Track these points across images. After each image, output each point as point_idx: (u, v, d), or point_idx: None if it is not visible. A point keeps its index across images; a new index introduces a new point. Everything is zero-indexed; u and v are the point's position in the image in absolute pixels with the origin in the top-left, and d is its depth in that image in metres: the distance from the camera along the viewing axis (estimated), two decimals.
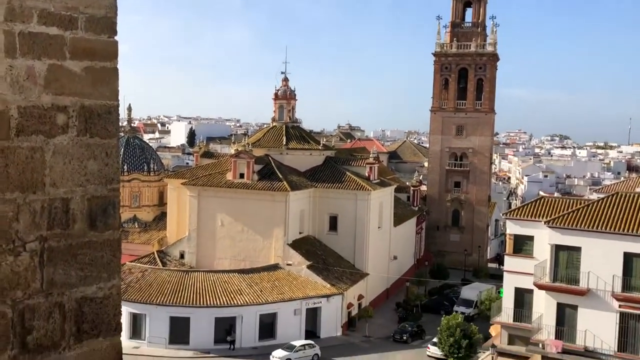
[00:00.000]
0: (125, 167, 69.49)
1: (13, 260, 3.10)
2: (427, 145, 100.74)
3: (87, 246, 3.37)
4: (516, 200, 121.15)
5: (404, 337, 53.78)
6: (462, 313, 58.12)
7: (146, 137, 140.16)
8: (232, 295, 51.42)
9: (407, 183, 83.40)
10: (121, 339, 3.64)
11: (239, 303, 50.85)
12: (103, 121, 3.40)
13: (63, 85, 3.23)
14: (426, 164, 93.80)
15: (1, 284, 3.07)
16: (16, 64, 3.07)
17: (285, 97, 68.35)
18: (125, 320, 47.64)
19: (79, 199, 3.32)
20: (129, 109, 75.00)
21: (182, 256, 60.37)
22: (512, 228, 42.33)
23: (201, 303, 50.35)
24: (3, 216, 3.06)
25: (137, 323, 50.37)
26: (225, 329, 50.10)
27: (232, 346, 49.68)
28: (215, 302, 50.56)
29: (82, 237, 3.35)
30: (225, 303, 50.65)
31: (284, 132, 65.95)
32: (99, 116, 3.38)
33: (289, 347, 47.96)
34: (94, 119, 3.36)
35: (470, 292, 62.87)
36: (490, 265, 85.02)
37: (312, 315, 53.88)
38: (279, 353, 47.43)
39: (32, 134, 3.14)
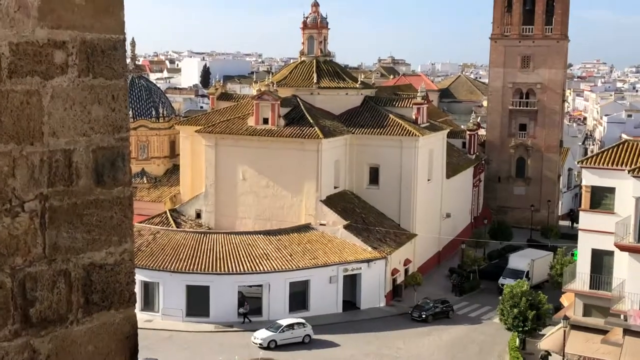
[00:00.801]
0: (130, 112, 70.06)
1: (10, 222, 3.16)
2: (486, 81, 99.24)
3: (94, 205, 3.41)
4: (594, 145, 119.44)
5: (423, 316, 52.66)
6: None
7: (153, 77, 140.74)
8: (257, 261, 52.22)
9: (462, 126, 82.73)
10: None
11: (266, 269, 51.65)
12: (108, 58, 3.40)
13: (60, 16, 3.23)
14: (485, 104, 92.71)
15: None
16: None
17: (316, 25, 67.73)
18: (136, 290, 48.76)
19: (83, 150, 3.35)
20: (133, 44, 75.29)
21: (198, 216, 61.26)
22: (589, 178, 41.84)
23: (222, 270, 51.27)
24: None
25: (149, 293, 51.66)
26: (238, 299, 51.04)
27: (245, 319, 50.57)
28: (238, 269, 51.45)
29: (88, 195, 3.39)
30: (250, 269, 51.51)
31: (314, 68, 65.62)
32: (102, 53, 3.38)
33: (275, 327, 47.72)
34: (97, 56, 3.36)
35: (519, 260, 61.60)
36: (561, 223, 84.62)
37: (351, 284, 54.50)
38: (261, 334, 47.36)
39: (26, 76, 3.15)
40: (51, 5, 3.20)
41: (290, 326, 48.00)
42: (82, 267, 3.41)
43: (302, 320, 49.00)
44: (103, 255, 3.48)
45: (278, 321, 48.60)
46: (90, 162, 3.39)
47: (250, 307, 50.99)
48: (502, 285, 58.59)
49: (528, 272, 59.68)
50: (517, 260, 61.73)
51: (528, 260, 61.03)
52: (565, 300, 47.50)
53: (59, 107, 3.27)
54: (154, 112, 73.19)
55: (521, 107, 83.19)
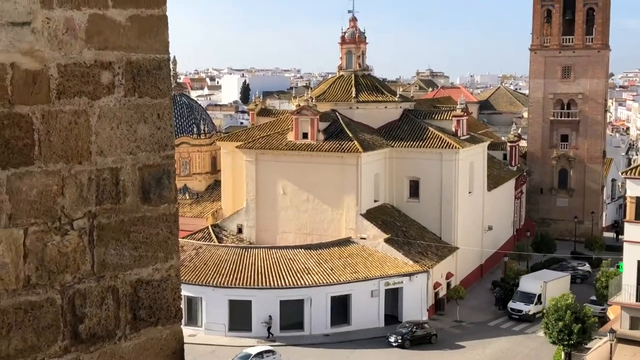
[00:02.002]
0: None
1: (60, 240, 3.22)
2: (527, 92, 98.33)
3: (141, 222, 3.46)
4: (637, 155, 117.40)
5: (399, 340, 49.18)
6: (519, 312, 55.13)
7: (194, 94, 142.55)
8: (298, 275, 52.26)
9: (503, 138, 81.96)
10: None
11: (307, 284, 51.65)
12: (153, 78, 3.45)
13: (106, 38, 3.29)
14: (526, 115, 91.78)
15: (48, 267, 3.20)
16: (54, 16, 3.14)
17: (354, 40, 67.88)
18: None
19: (130, 168, 3.41)
20: (174, 62, 76.35)
21: (239, 230, 61.58)
22: (634, 189, 41.16)
23: (264, 284, 51.40)
24: (47, 190, 3.17)
25: (192, 308, 51.97)
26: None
27: (269, 334, 50.48)
28: (279, 283, 51.52)
29: (135, 212, 3.44)
30: (291, 284, 51.54)
31: (353, 82, 65.70)
32: (148, 72, 3.43)
33: (243, 357, 45.75)
34: (143, 75, 3.42)
35: (531, 282, 57.45)
36: (606, 234, 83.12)
37: (392, 297, 54.19)
38: None
39: (74, 96, 3.22)
40: (98, 27, 3.27)
41: (259, 355, 46.01)
42: (130, 283, 3.45)
43: (272, 348, 47.19)
44: (150, 272, 3.52)
45: (245, 350, 46.68)
46: (137, 180, 3.44)
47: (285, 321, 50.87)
48: (512, 309, 56.02)
49: (540, 295, 56.08)
50: (529, 283, 57.54)
51: (541, 283, 56.85)
52: (611, 313, 46.64)
53: (106, 126, 3.33)
54: (195, 129, 73.94)
55: (562, 118, 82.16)
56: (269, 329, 50.57)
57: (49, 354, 3.20)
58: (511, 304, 56.48)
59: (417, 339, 50.01)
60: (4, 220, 3.07)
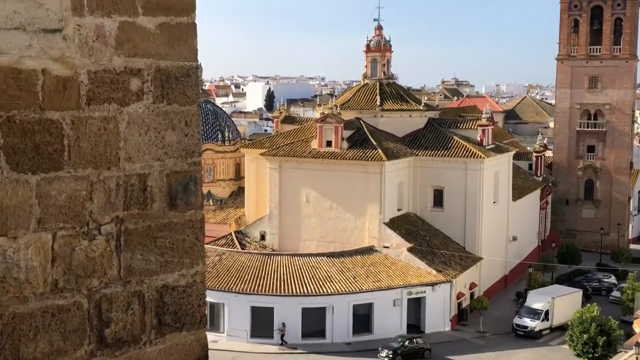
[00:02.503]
0: None
1: (88, 245, 3.25)
2: (553, 102, 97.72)
3: (167, 228, 3.48)
4: None
5: (390, 355, 47.63)
6: (524, 328, 53.53)
7: (219, 101, 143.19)
8: (320, 283, 52.22)
9: (529, 148, 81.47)
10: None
11: (329, 292, 51.59)
12: (181, 85, 3.47)
13: (136, 45, 3.32)
14: (552, 125, 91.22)
15: (76, 272, 3.22)
16: (84, 23, 3.18)
17: (379, 48, 67.86)
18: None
19: (157, 174, 3.43)
20: (200, 69, 76.83)
21: (262, 237, 61.67)
22: None
23: (286, 291, 51.42)
24: (76, 195, 3.20)
25: (214, 314, 52.10)
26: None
27: (283, 341, 50.35)
28: (302, 291, 51.51)
29: (162, 218, 3.46)
30: (314, 291, 51.52)
31: (377, 90, 65.66)
32: (176, 80, 3.46)
33: None
34: (171, 83, 3.44)
35: (538, 298, 55.41)
36: (632, 246, 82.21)
37: (415, 307, 53.96)
38: None
39: (104, 102, 3.25)
40: (128, 35, 3.30)
41: None
42: (155, 288, 3.47)
43: None
44: (175, 277, 3.54)
45: None
46: (164, 186, 3.46)
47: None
48: (517, 325, 54.22)
49: (547, 311, 54.11)
50: (536, 298, 55.51)
51: (548, 299, 54.75)
52: (636, 326, 46.05)
53: (134, 132, 3.36)
54: (220, 136, 74.31)
55: (589, 129, 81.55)
56: (282, 336, 50.58)
57: (75, 357, 3.23)
58: (516, 320, 54.66)
59: (409, 354, 48.63)
60: (33, 224, 3.10)
